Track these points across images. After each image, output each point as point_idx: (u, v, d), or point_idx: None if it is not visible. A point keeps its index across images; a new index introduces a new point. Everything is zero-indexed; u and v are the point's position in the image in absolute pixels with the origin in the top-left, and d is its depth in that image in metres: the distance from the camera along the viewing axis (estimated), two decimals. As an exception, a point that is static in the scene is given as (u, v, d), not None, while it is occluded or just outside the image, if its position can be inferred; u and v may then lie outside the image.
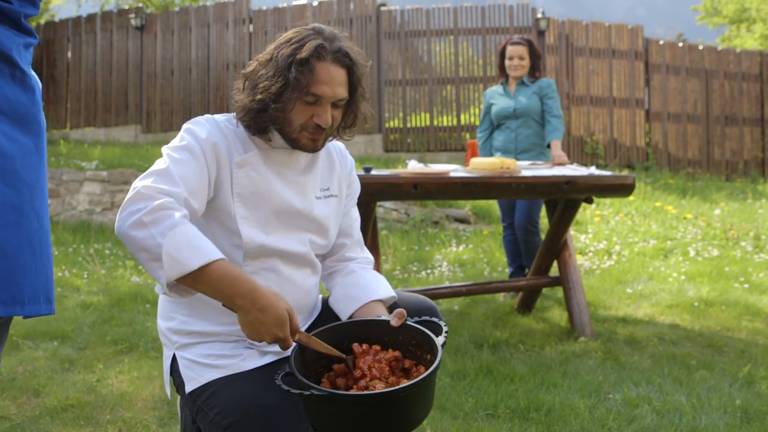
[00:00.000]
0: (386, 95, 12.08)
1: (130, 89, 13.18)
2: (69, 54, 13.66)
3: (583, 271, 5.90)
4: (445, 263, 6.28)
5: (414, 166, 3.88)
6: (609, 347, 3.75)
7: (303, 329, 1.85)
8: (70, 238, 7.73)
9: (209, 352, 1.72)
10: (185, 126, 1.73)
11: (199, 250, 1.46)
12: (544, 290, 4.96)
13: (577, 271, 4.20)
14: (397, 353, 1.61)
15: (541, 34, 12.00)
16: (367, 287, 1.84)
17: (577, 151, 12.06)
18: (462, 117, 12.13)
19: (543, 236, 4.90)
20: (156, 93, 13.01)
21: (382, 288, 1.85)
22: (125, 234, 1.48)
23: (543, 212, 7.02)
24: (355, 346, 1.62)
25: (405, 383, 1.45)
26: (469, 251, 6.79)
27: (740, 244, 6.79)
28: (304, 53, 1.66)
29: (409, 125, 12.12)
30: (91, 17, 13.67)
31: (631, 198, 8.76)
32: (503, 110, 4.90)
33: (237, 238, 1.71)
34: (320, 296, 1.98)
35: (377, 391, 1.44)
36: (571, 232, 7.32)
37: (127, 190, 8.81)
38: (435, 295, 3.95)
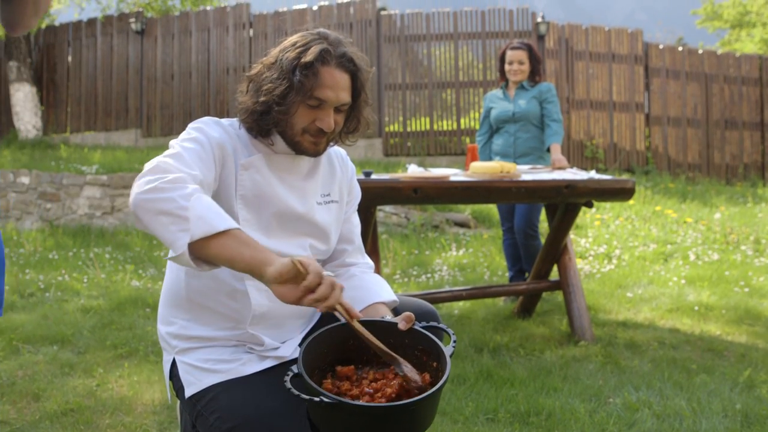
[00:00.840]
0: (386, 99, 12.08)
1: (130, 93, 13.19)
2: (69, 58, 13.68)
3: (583, 275, 5.90)
4: (445, 267, 6.28)
5: (414, 171, 3.88)
6: (609, 351, 3.75)
7: (302, 334, 1.85)
8: (70, 242, 7.73)
9: (209, 356, 1.72)
10: (192, 124, 1.73)
11: (222, 215, 1.44)
12: (544, 294, 4.96)
13: (577, 275, 4.20)
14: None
15: (540, 38, 12.02)
16: (369, 290, 1.84)
17: (577, 155, 12.07)
18: (462, 121, 12.13)
19: (543, 240, 4.90)
20: (156, 97, 13.02)
21: (384, 291, 1.85)
22: (143, 200, 1.45)
23: (543, 216, 7.02)
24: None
25: (416, 396, 1.44)
26: (469, 255, 6.78)
27: (740, 248, 6.79)
28: (309, 57, 1.67)
29: (409, 129, 12.13)
30: (91, 21, 13.69)
31: (631, 202, 8.76)
32: (502, 114, 4.91)
33: None
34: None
35: (387, 404, 1.43)
36: (571, 236, 7.32)
37: (128, 195, 8.85)
38: (435, 299, 3.95)
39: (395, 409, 1.41)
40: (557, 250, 4.22)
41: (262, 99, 1.70)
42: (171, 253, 1.46)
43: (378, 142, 12.09)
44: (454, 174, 3.86)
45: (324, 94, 1.69)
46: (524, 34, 11.96)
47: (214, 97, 12.70)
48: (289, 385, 1.43)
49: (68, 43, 13.70)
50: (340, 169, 1.95)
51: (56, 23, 14.62)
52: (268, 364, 1.72)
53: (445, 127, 12.17)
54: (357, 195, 2.02)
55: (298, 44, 1.72)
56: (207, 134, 1.68)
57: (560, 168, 4.44)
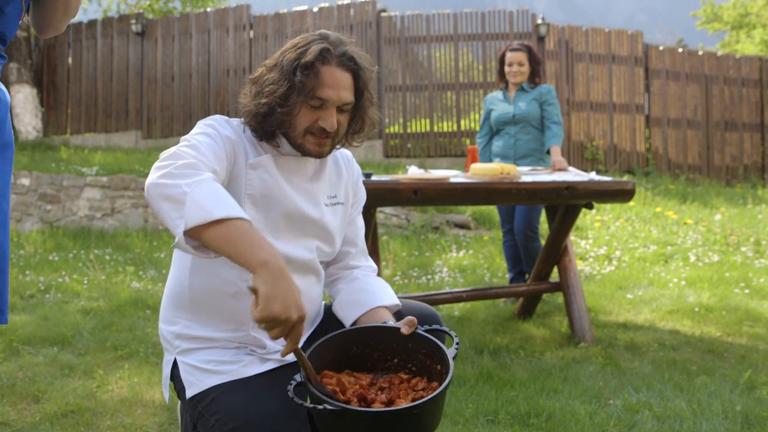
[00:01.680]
0: (386, 101, 12.09)
1: (130, 95, 13.20)
2: (69, 60, 13.68)
3: (584, 276, 5.90)
4: (445, 269, 6.28)
5: (414, 172, 3.88)
6: (609, 353, 3.75)
7: (305, 337, 1.85)
8: (70, 244, 7.73)
9: (210, 357, 1.72)
10: (204, 121, 1.73)
11: (225, 203, 1.39)
12: (545, 296, 4.96)
13: (577, 276, 4.20)
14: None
15: (541, 39, 12.02)
16: (372, 293, 1.84)
17: (577, 156, 12.07)
18: (462, 123, 12.14)
19: (543, 242, 4.90)
20: (156, 99, 13.03)
21: (387, 295, 1.85)
22: (152, 184, 1.43)
23: (543, 218, 7.02)
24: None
25: (419, 399, 1.44)
26: (469, 257, 6.78)
27: (740, 249, 6.79)
28: (309, 57, 1.67)
29: (409, 131, 12.13)
30: (91, 23, 13.69)
31: (631, 203, 8.76)
32: (502, 116, 4.91)
33: None
34: (323, 303, 1.98)
35: (392, 408, 1.43)
36: (572, 237, 7.32)
37: (128, 196, 8.86)
38: (435, 300, 3.95)
39: (399, 413, 1.41)
40: (557, 251, 4.22)
41: (264, 101, 1.70)
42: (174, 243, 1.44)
43: (378, 143, 12.09)
44: (455, 175, 3.86)
45: (325, 93, 1.68)
46: (524, 36, 11.97)
47: (214, 98, 12.71)
48: (292, 394, 1.42)
49: (68, 45, 13.71)
50: (346, 170, 1.95)
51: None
52: (270, 366, 1.72)
53: (445, 129, 12.18)
54: (362, 197, 2.01)
55: (298, 45, 1.72)
56: (219, 130, 1.69)
57: (560, 170, 4.44)
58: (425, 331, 1.64)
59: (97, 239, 8.04)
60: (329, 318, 1.91)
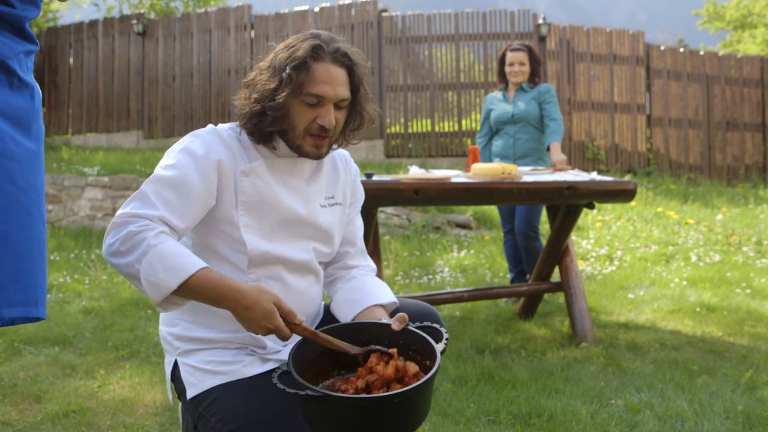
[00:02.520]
0: (387, 101, 12.08)
1: (131, 95, 13.21)
2: (71, 60, 13.70)
3: (585, 276, 5.90)
4: (446, 269, 6.28)
5: (415, 172, 3.88)
6: (611, 353, 3.74)
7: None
8: (71, 244, 7.74)
9: (211, 358, 1.72)
10: (181, 142, 1.71)
11: (174, 269, 1.49)
12: (546, 296, 4.96)
13: (578, 276, 4.20)
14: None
15: (542, 39, 12.02)
16: (368, 292, 1.84)
17: (579, 156, 12.07)
18: (463, 123, 12.13)
19: (543, 242, 4.90)
20: (157, 99, 13.04)
21: (383, 293, 1.85)
22: (109, 258, 1.55)
23: (544, 217, 7.02)
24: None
25: (402, 388, 1.45)
26: (470, 257, 6.78)
27: (742, 249, 6.79)
28: (300, 53, 1.67)
29: (410, 131, 12.13)
30: (93, 23, 13.71)
31: (632, 203, 8.76)
32: (501, 116, 4.91)
33: (241, 245, 1.71)
34: (323, 303, 1.98)
35: (373, 395, 1.44)
36: (573, 237, 7.31)
37: (129, 196, 8.84)
38: (436, 300, 3.95)
39: (382, 400, 1.41)
40: (559, 251, 4.22)
41: (254, 96, 1.70)
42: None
43: (379, 143, 12.09)
44: (456, 175, 3.86)
45: (321, 89, 1.68)
46: (525, 36, 11.96)
47: (215, 98, 12.72)
48: (275, 380, 1.45)
49: (70, 45, 13.72)
50: (344, 170, 1.95)
51: (58, 25, 14.64)
52: (270, 366, 1.72)
53: (446, 129, 12.17)
54: (360, 197, 2.01)
55: (290, 45, 1.72)
56: (193, 155, 1.66)
57: (561, 170, 4.44)
58: (417, 327, 1.65)
59: (98, 239, 8.04)
60: (328, 317, 1.91)
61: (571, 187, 3.72)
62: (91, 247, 7.48)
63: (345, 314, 1.82)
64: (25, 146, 1.28)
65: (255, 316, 1.50)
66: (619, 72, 12.37)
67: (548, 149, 4.79)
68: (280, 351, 1.75)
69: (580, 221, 7.93)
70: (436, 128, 12.14)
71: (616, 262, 6.47)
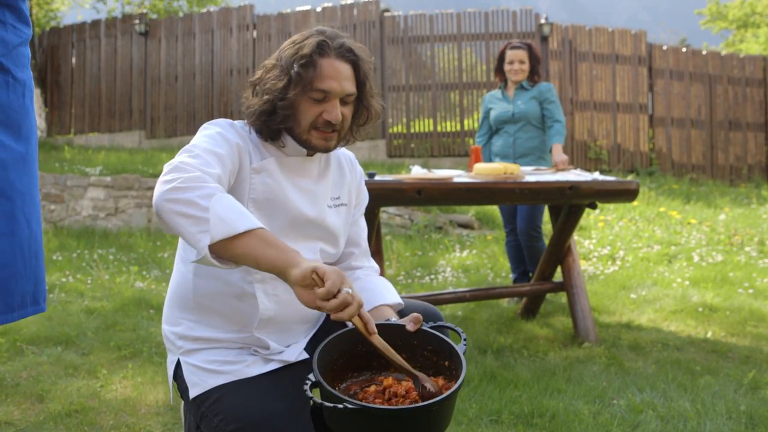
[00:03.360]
0: (390, 101, 12.08)
1: (134, 95, 13.22)
2: (73, 60, 13.71)
3: (587, 276, 5.89)
4: (448, 269, 6.28)
5: (417, 172, 3.88)
6: (613, 353, 3.74)
7: (307, 338, 1.84)
8: (74, 244, 7.74)
9: (214, 358, 1.72)
10: (208, 124, 1.73)
11: (244, 216, 1.43)
12: (548, 296, 4.96)
13: (580, 276, 4.19)
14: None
15: (544, 39, 12.01)
16: (375, 292, 1.83)
17: (581, 156, 12.06)
18: (465, 122, 12.12)
19: (546, 242, 4.89)
20: (160, 99, 13.05)
21: (390, 293, 1.85)
22: (162, 199, 1.44)
23: (546, 217, 7.02)
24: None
25: (437, 397, 1.44)
26: (472, 257, 6.78)
27: (744, 249, 6.78)
28: (306, 50, 1.68)
29: (412, 131, 12.13)
30: (95, 23, 13.72)
31: (635, 203, 8.75)
32: (502, 115, 4.90)
33: None
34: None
35: (408, 406, 1.43)
36: (575, 237, 7.31)
37: (131, 196, 8.87)
38: (439, 300, 3.95)
39: (417, 410, 1.40)
40: (561, 251, 4.22)
41: (265, 97, 1.71)
42: (195, 255, 1.46)
43: (381, 143, 12.09)
44: (458, 175, 3.86)
45: (327, 85, 1.68)
46: (527, 36, 11.95)
47: (217, 98, 12.72)
48: (310, 394, 1.41)
49: (72, 45, 13.74)
50: (349, 172, 1.95)
51: (60, 25, 14.65)
52: (273, 366, 1.72)
53: (448, 129, 12.17)
54: (365, 199, 2.02)
55: (296, 41, 1.73)
56: (224, 135, 1.69)
57: (563, 169, 4.44)
58: (431, 328, 1.64)
59: (100, 239, 8.05)
60: (332, 320, 1.91)
61: (573, 187, 3.72)
62: (93, 247, 7.49)
63: None
64: (13, 150, 1.27)
65: (329, 275, 1.37)
66: (621, 72, 12.36)
67: (551, 150, 4.78)
68: (283, 351, 1.75)
69: (582, 221, 7.92)
70: (439, 128, 12.14)
71: (618, 262, 6.46)
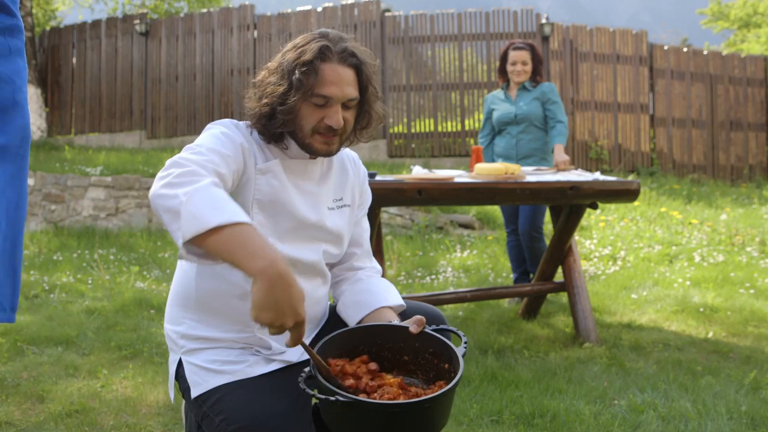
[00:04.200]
0: (390, 101, 12.08)
1: (134, 95, 13.23)
2: (74, 60, 13.71)
3: (588, 276, 5.89)
4: (449, 269, 6.28)
5: (418, 172, 3.88)
6: (614, 353, 3.74)
7: (311, 338, 1.85)
8: (74, 244, 7.74)
9: (215, 357, 1.72)
10: (213, 125, 1.72)
11: (222, 209, 1.36)
12: (549, 296, 4.95)
13: (581, 276, 4.19)
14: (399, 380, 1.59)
15: (545, 39, 12.01)
16: (376, 294, 1.83)
17: (582, 156, 12.05)
18: (466, 122, 12.13)
19: (547, 242, 4.89)
20: (160, 99, 13.05)
21: (391, 295, 1.84)
22: (155, 195, 1.42)
23: (547, 218, 7.02)
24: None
25: (431, 394, 1.44)
26: (473, 257, 6.78)
27: (746, 249, 6.77)
28: (307, 55, 1.67)
29: (413, 131, 12.13)
30: (95, 23, 13.73)
31: (636, 203, 8.75)
32: (504, 116, 4.89)
33: None
34: (329, 304, 1.98)
35: (402, 402, 1.42)
36: (576, 237, 7.30)
37: (132, 196, 8.87)
38: (439, 300, 3.94)
39: (411, 406, 1.40)
40: (562, 251, 4.22)
41: (264, 101, 1.70)
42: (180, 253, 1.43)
43: (382, 143, 12.09)
44: (459, 175, 3.86)
45: (328, 90, 1.68)
46: (528, 36, 11.96)
47: (218, 98, 12.72)
48: (303, 385, 1.42)
49: (73, 45, 13.75)
50: (353, 172, 1.94)
51: (61, 25, 14.66)
52: (275, 366, 1.71)
53: (449, 129, 12.17)
54: (368, 199, 2.01)
55: (298, 45, 1.72)
56: (228, 135, 1.68)
57: (564, 170, 4.43)
58: (434, 330, 1.64)
59: (101, 239, 8.05)
60: (335, 319, 1.91)
61: (574, 187, 3.71)
62: (94, 247, 7.49)
63: (352, 316, 1.81)
64: None
65: (276, 297, 1.30)
66: (622, 72, 12.35)
67: (552, 151, 4.78)
68: (285, 352, 1.75)
69: (583, 221, 7.92)
70: (439, 128, 12.14)
71: (619, 262, 6.45)
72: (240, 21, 12.78)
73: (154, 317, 4.55)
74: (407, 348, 1.61)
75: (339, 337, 1.60)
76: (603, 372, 3.45)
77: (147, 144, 13.03)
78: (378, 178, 3.55)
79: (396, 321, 1.71)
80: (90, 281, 5.73)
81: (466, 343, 1.61)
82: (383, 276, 2.10)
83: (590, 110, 12.19)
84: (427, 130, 12.14)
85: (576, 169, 4.54)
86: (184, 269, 1.80)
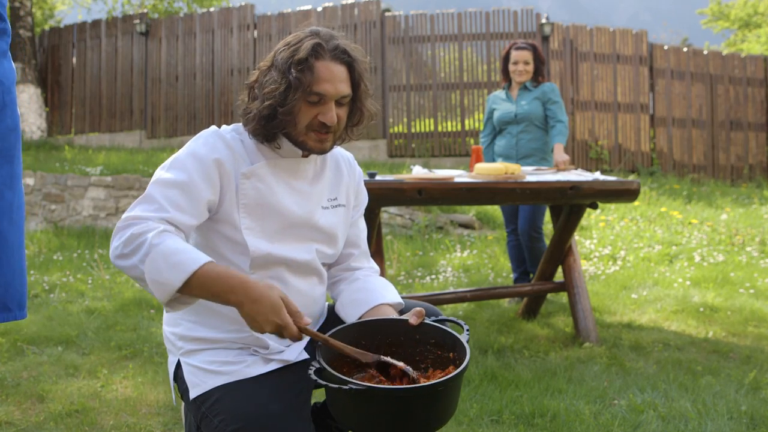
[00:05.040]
0: (391, 101, 12.08)
1: (134, 95, 13.22)
2: (74, 60, 13.71)
3: (588, 276, 5.89)
4: (449, 269, 6.27)
5: (418, 172, 3.88)
6: (614, 353, 3.74)
7: (307, 338, 1.84)
8: (74, 244, 7.74)
9: (214, 358, 1.72)
10: (191, 142, 1.73)
11: (178, 266, 1.47)
12: (549, 296, 4.95)
13: (581, 276, 4.19)
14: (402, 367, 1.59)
15: (545, 39, 12.00)
16: (374, 291, 1.83)
17: (582, 156, 12.05)
18: (466, 122, 12.12)
19: (547, 242, 4.89)
20: (160, 98, 13.05)
21: (389, 293, 1.84)
22: (116, 261, 1.54)
23: (547, 218, 7.02)
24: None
25: (442, 377, 1.44)
26: (473, 257, 6.78)
27: (746, 249, 6.77)
28: (301, 53, 1.67)
29: (413, 131, 12.12)
30: (95, 23, 13.73)
31: (636, 203, 8.74)
32: (505, 115, 4.89)
33: (243, 247, 1.70)
34: (326, 304, 1.98)
35: (415, 385, 1.42)
36: (576, 237, 7.30)
37: (132, 196, 8.86)
38: (439, 300, 3.94)
39: (423, 390, 1.40)
40: (562, 251, 4.22)
41: (266, 103, 1.70)
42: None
43: (382, 143, 12.09)
44: (459, 175, 3.86)
45: (322, 88, 1.68)
46: (529, 35, 11.95)
47: (218, 98, 12.72)
48: (314, 376, 1.43)
49: (73, 45, 13.75)
50: (348, 173, 1.94)
51: (61, 25, 14.65)
52: (273, 366, 1.71)
53: (449, 129, 12.17)
54: (364, 199, 2.01)
55: (290, 43, 1.72)
56: (196, 156, 1.67)
57: (564, 169, 4.43)
58: (434, 321, 1.64)
59: (101, 239, 8.05)
60: (333, 318, 1.90)
61: (574, 187, 3.71)
62: (93, 247, 7.49)
63: (350, 314, 1.81)
64: None
65: (263, 310, 1.46)
66: (622, 72, 12.35)
67: (552, 150, 4.78)
68: (283, 351, 1.75)
69: (583, 221, 7.91)
70: (439, 128, 12.14)
71: (619, 262, 6.45)
72: (240, 21, 12.78)
73: (154, 317, 4.55)
74: (408, 341, 1.61)
75: (339, 334, 1.60)
76: (603, 372, 3.45)
77: (147, 144, 13.03)
78: (378, 177, 3.55)
79: (395, 315, 1.72)
80: (90, 281, 5.73)
81: (468, 331, 1.62)
82: (383, 276, 2.10)
83: (590, 110, 12.18)
84: (427, 130, 12.13)
85: (576, 168, 4.54)
86: None
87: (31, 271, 6.10)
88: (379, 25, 12.13)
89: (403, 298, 1.94)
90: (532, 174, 4.09)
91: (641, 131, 12.36)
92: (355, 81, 1.75)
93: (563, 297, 4.99)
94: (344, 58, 1.72)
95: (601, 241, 7.22)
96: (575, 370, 3.45)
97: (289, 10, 12.75)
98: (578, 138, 12.04)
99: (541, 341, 4.00)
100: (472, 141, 11.85)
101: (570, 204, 3.99)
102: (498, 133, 5.01)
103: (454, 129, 12.13)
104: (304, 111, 1.70)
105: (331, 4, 12.53)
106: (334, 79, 1.69)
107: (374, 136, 11.92)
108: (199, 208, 1.64)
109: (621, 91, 12.33)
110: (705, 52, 13.04)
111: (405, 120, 12.16)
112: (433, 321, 1.65)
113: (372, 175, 3.50)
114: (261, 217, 1.72)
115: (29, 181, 9.38)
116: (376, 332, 1.64)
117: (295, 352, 1.75)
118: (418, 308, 1.64)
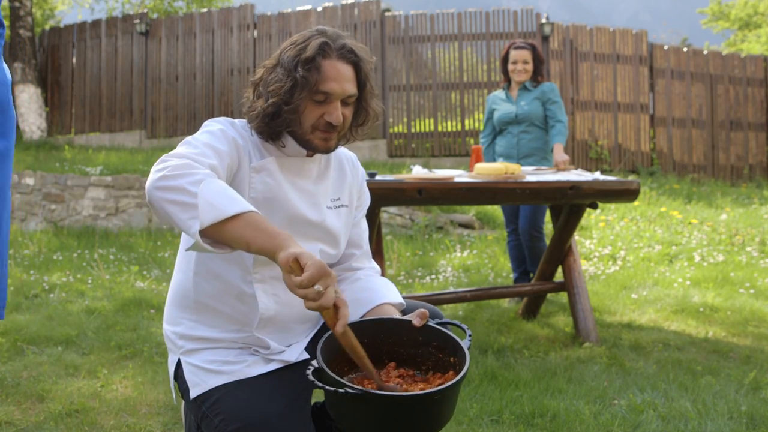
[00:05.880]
0: (391, 100, 12.08)
1: (134, 95, 13.22)
2: (74, 59, 13.71)
3: (588, 276, 5.89)
4: (449, 269, 6.27)
5: (418, 172, 3.88)
6: (614, 353, 3.74)
7: (308, 338, 1.84)
8: (74, 244, 7.74)
9: (214, 358, 1.71)
10: (209, 122, 1.73)
11: (234, 199, 1.43)
12: (549, 296, 4.95)
13: (581, 276, 4.19)
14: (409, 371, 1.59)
15: (545, 39, 12.00)
16: (376, 291, 1.83)
17: (582, 156, 12.05)
18: (466, 122, 12.12)
19: (547, 242, 4.89)
20: (160, 98, 13.04)
21: (391, 293, 1.84)
22: (153, 187, 1.45)
23: (547, 217, 7.02)
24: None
25: (439, 386, 1.44)
26: (473, 256, 6.78)
27: (746, 249, 6.77)
28: (309, 52, 1.67)
29: (413, 130, 12.12)
30: (95, 23, 13.72)
31: (636, 203, 8.74)
32: (505, 116, 4.89)
33: None
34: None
35: (413, 393, 1.42)
36: (576, 237, 7.30)
37: (132, 196, 8.87)
38: (439, 300, 3.94)
39: (420, 398, 1.40)
40: (562, 251, 4.22)
41: (271, 101, 1.70)
42: (188, 243, 1.47)
43: (382, 143, 12.09)
44: (459, 175, 3.86)
45: (329, 86, 1.68)
46: (529, 35, 11.95)
47: (218, 98, 12.72)
48: (312, 378, 1.42)
49: (73, 45, 13.74)
50: (351, 173, 1.94)
51: (61, 25, 14.65)
52: (273, 366, 1.71)
53: (449, 128, 12.17)
54: (366, 200, 2.01)
55: (297, 42, 1.72)
56: (224, 132, 1.69)
57: (564, 169, 4.43)
58: (437, 324, 1.63)
59: (101, 239, 8.05)
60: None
61: (574, 187, 3.71)
62: (93, 247, 7.49)
63: (352, 313, 1.81)
64: None
65: (312, 272, 1.35)
66: (622, 71, 12.35)
67: (552, 150, 4.78)
68: (283, 351, 1.75)
69: (583, 221, 7.91)
70: (439, 128, 12.14)
71: (619, 262, 6.45)
72: (240, 20, 12.78)
73: (153, 317, 4.55)
74: (410, 341, 1.61)
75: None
76: (603, 372, 3.45)
77: (147, 144, 13.03)
78: (378, 177, 3.55)
79: (397, 315, 1.71)
80: (90, 281, 5.73)
81: (470, 336, 1.61)
82: (383, 275, 2.10)
83: (590, 110, 12.18)
84: (427, 129, 12.13)
85: (576, 168, 4.54)
86: (182, 270, 1.80)
87: (31, 271, 6.10)
88: (379, 25, 12.13)
89: (403, 298, 1.94)
90: (532, 174, 4.09)
91: (641, 131, 12.36)
92: (361, 81, 1.75)
93: (563, 297, 4.99)
94: (351, 57, 1.72)
95: (601, 241, 7.22)
96: (575, 370, 3.45)
97: (289, 10, 12.75)
98: (578, 138, 12.04)
99: (541, 341, 4.00)
100: (472, 141, 11.85)
101: (570, 204, 3.99)
102: (498, 133, 5.01)
103: (454, 129, 12.13)
104: (309, 110, 1.70)
105: (331, 4, 12.53)
106: (340, 78, 1.69)
107: (374, 135, 11.92)
108: (225, 171, 1.64)
109: (621, 91, 12.33)
110: (705, 52, 13.03)
111: (405, 120, 12.16)
112: (437, 323, 1.64)
113: (372, 175, 3.50)
114: (268, 212, 1.72)
115: (29, 181, 9.37)
116: (379, 332, 1.64)
117: (296, 352, 1.75)
118: (421, 310, 1.63)
